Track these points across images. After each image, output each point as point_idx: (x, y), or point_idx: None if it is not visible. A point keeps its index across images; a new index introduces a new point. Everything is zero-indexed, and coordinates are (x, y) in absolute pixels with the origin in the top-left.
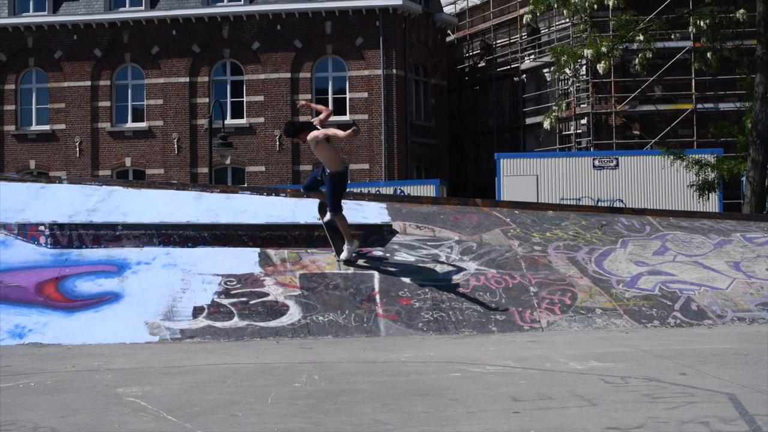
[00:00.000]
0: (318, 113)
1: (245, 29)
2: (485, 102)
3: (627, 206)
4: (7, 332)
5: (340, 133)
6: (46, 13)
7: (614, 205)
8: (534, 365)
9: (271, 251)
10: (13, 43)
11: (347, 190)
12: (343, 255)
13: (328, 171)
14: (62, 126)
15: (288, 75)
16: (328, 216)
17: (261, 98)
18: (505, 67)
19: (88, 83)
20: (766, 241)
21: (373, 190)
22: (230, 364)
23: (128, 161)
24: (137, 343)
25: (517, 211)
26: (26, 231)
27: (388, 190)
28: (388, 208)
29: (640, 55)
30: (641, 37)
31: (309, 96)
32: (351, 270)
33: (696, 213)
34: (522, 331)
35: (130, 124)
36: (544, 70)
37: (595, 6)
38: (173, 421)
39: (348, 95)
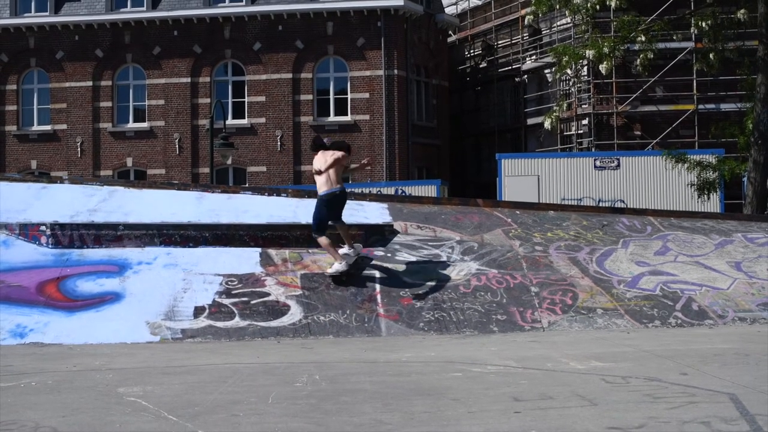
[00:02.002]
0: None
1: (247, 30)
2: (486, 102)
3: (628, 206)
4: (9, 332)
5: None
6: (47, 13)
7: (615, 206)
8: (535, 365)
9: (272, 251)
10: (15, 44)
11: (348, 190)
12: (329, 270)
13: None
14: (64, 126)
15: (289, 75)
16: (336, 267)
17: (262, 99)
18: (506, 68)
19: (90, 83)
20: (767, 242)
21: (374, 191)
22: (231, 363)
23: (129, 161)
24: (138, 343)
25: (518, 212)
26: (27, 231)
27: (390, 191)
28: (389, 208)
29: (641, 55)
30: (643, 38)
31: (310, 96)
32: (352, 269)
33: (697, 213)
34: (523, 331)
35: (132, 125)
36: (546, 71)
37: (597, 6)
38: (174, 421)
39: (349, 96)
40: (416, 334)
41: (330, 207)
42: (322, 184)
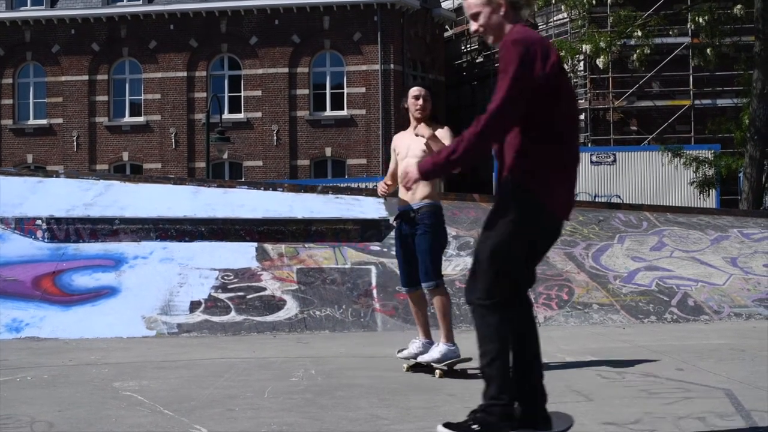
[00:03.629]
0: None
1: (243, 24)
2: (483, 98)
3: (624, 202)
4: (4, 326)
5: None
6: (43, 7)
7: (611, 201)
8: None
9: (268, 246)
10: (11, 37)
11: (343, 185)
12: (432, 355)
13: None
14: (60, 120)
15: (286, 70)
16: (444, 348)
17: (259, 93)
18: None
19: (86, 77)
20: (763, 237)
21: (370, 185)
22: (227, 358)
23: (125, 155)
24: (134, 338)
25: None
26: (23, 225)
27: None
28: (385, 203)
29: (638, 50)
30: (639, 33)
31: (307, 91)
32: (348, 265)
33: (693, 209)
34: None
35: (128, 119)
36: None
37: (594, 1)
38: (170, 416)
39: (346, 90)
40: (412, 329)
41: None
42: (430, 186)
